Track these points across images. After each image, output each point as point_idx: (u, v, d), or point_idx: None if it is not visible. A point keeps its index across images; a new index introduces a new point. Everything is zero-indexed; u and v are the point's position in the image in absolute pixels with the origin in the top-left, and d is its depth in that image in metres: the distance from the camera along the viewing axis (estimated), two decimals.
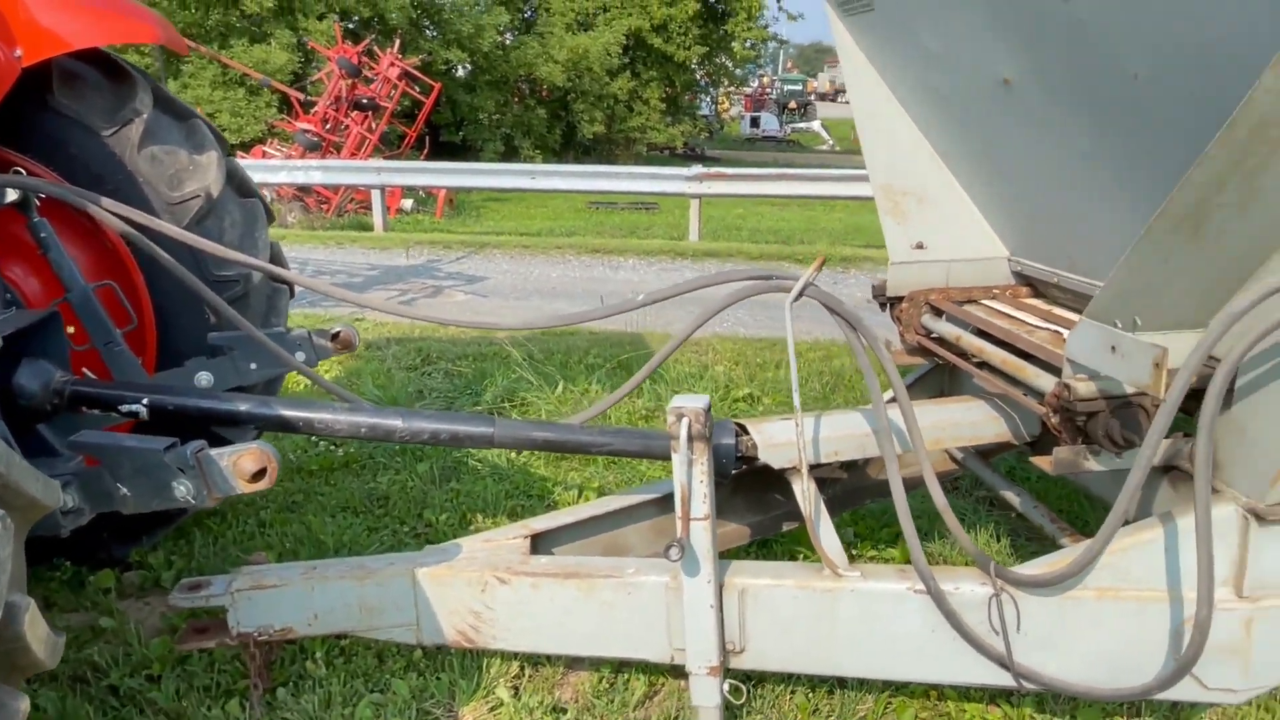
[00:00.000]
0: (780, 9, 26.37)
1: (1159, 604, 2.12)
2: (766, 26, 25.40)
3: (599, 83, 21.33)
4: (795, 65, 75.22)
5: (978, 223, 3.19)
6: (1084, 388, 2.11)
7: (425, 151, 16.89)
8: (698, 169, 12.26)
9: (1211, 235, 1.86)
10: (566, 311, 2.73)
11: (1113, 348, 2.00)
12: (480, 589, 2.48)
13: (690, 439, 2.16)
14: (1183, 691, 2.12)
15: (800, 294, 2.17)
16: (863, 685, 2.72)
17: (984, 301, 3.06)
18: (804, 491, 2.40)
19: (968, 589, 2.21)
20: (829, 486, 3.21)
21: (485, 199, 17.55)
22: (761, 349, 6.27)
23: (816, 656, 2.34)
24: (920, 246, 3.14)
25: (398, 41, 15.86)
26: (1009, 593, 2.17)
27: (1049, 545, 3.39)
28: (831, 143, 35.74)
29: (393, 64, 15.10)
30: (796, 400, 2.23)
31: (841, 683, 2.72)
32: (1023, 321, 2.80)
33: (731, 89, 29.16)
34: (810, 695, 2.69)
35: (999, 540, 3.53)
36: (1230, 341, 1.78)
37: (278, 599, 2.49)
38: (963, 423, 2.67)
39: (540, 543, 2.72)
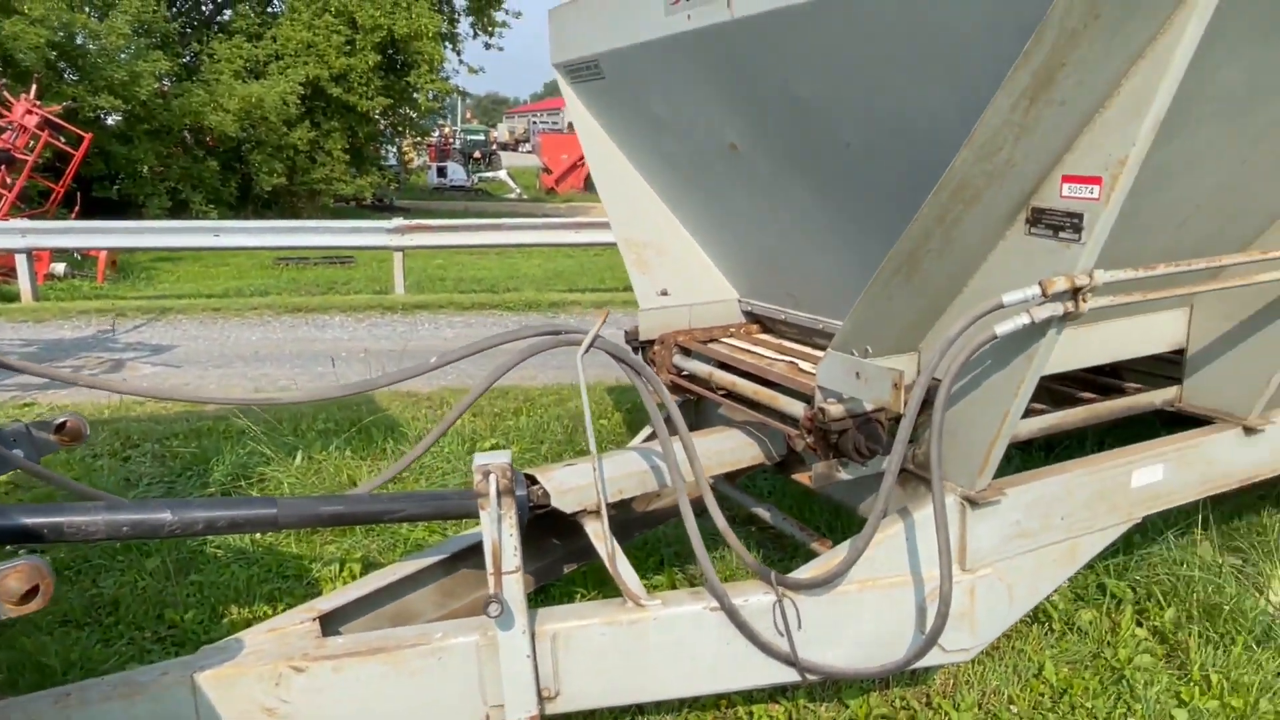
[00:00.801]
0: (461, 62, 26.69)
1: (906, 587, 2.49)
2: (447, 79, 25.64)
3: (276, 133, 20.18)
4: (474, 116, 76.34)
5: (710, 270, 3.55)
6: (835, 409, 2.45)
7: (76, 209, 14.96)
8: (399, 221, 12.06)
9: (921, 276, 2.27)
10: (353, 380, 2.64)
11: (857, 374, 2.36)
12: (274, 682, 2.32)
13: (499, 494, 2.21)
14: (930, 658, 2.51)
15: (590, 345, 2.31)
16: (660, 707, 2.88)
17: (724, 340, 3.40)
18: (603, 531, 2.53)
19: (755, 600, 2.45)
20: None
21: (155, 259, 15.87)
22: (495, 399, 6.33)
23: (628, 686, 2.46)
24: (664, 293, 3.43)
25: (35, 86, 13.97)
26: (789, 597, 2.45)
27: (793, 551, 3.81)
28: (519, 191, 36.61)
29: (30, 111, 13.26)
30: (592, 444, 2.36)
31: (640, 709, 2.86)
32: (761, 356, 3.16)
33: (417, 139, 28.93)
34: None
35: (752, 552, 3.87)
36: (947, 361, 2.18)
37: None
38: (725, 450, 2.95)
39: (329, 622, 2.59)
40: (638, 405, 6.12)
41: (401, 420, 5.61)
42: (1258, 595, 3.55)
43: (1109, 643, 3.28)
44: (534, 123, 65.71)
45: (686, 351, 3.36)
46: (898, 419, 2.36)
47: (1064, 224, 2.08)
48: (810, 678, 2.48)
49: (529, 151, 57.39)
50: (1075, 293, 2.08)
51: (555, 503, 2.57)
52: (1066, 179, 2.05)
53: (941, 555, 2.28)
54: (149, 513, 2.22)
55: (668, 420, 2.50)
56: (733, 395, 3.07)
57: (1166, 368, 3.20)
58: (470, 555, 3.00)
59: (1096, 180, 1.99)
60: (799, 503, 4.26)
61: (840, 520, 4.00)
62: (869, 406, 2.46)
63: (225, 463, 4.65)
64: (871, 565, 2.47)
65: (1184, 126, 2.13)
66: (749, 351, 3.20)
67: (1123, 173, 1.94)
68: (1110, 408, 3.10)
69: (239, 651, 2.37)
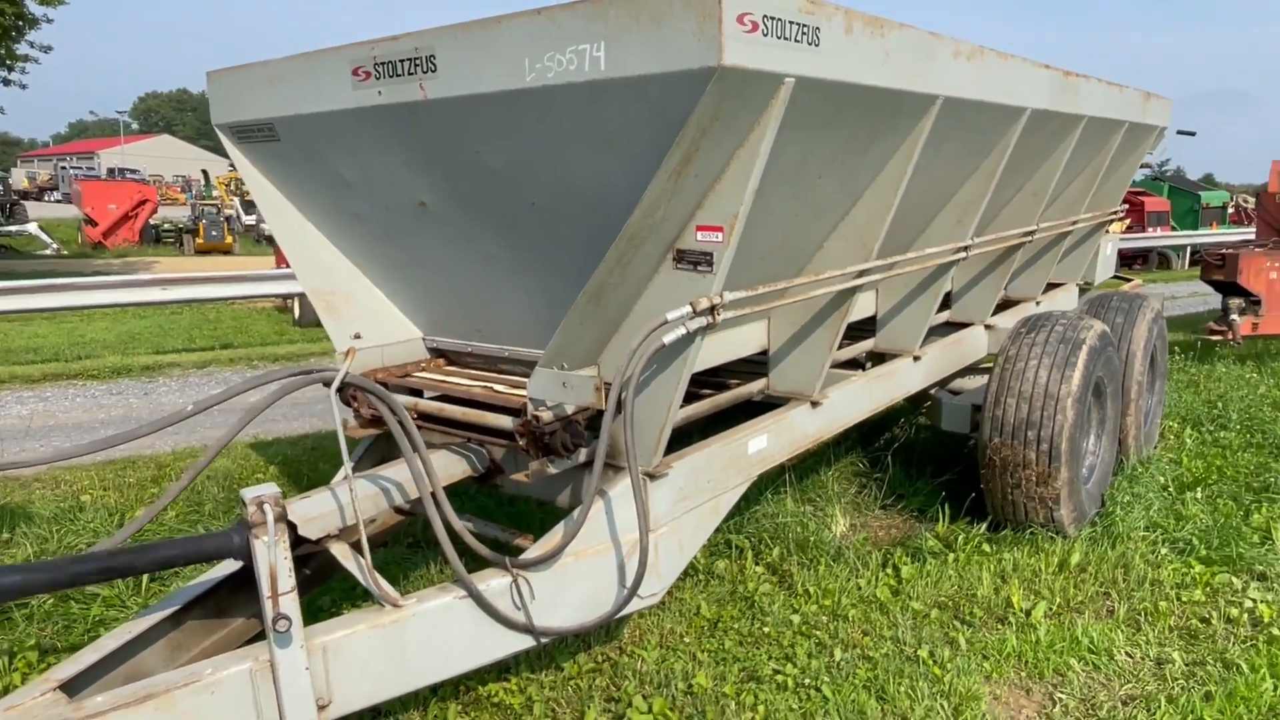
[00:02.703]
0: None
1: (611, 552, 3.12)
2: None
3: None
4: None
5: (395, 313, 3.92)
6: (546, 415, 3.02)
7: None
8: None
9: (604, 304, 2.94)
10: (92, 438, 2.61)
11: (564, 384, 2.95)
12: None
13: (275, 521, 2.42)
14: (632, 606, 3.16)
15: (341, 382, 2.62)
16: (405, 705, 3.19)
17: (417, 374, 3.79)
18: (350, 551, 2.81)
19: (495, 583, 2.90)
20: (316, 559, 3.55)
21: None
22: (125, 469, 5.88)
23: (395, 680, 2.76)
24: (358, 336, 3.73)
25: None
26: (523, 576, 2.94)
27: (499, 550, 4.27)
28: (57, 246, 31.77)
29: None
30: (349, 469, 2.66)
31: (388, 711, 3.14)
32: (458, 384, 3.62)
33: None
34: None
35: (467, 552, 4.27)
36: (633, 367, 2.86)
37: None
38: (442, 467, 3.35)
39: (69, 690, 2.54)
40: (289, 458, 6.12)
41: (14, 503, 5.02)
42: (828, 529, 4.79)
43: (740, 581, 4.24)
44: (63, 168, 57.17)
45: (384, 386, 3.69)
46: (594, 418, 3.00)
47: (700, 260, 2.87)
48: (544, 640, 3.00)
49: (59, 200, 49.80)
50: (712, 309, 2.88)
51: (303, 531, 2.79)
52: (700, 228, 2.84)
53: (640, 521, 2.95)
54: None
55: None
56: (439, 420, 3.48)
57: (756, 366, 4.25)
58: (195, 606, 3.06)
59: (720, 229, 2.81)
60: (487, 516, 4.74)
61: (522, 522, 4.55)
62: (570, 410, 3.07)
63: None
64: (584, 538, 3.05)
65: (764, 191, 3.05)
66: (446, 382, 3.64)
67: (736, 223, 2.77)
68: (726, 398, 4.05)
69: None
